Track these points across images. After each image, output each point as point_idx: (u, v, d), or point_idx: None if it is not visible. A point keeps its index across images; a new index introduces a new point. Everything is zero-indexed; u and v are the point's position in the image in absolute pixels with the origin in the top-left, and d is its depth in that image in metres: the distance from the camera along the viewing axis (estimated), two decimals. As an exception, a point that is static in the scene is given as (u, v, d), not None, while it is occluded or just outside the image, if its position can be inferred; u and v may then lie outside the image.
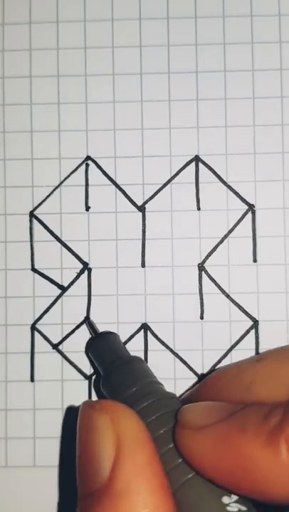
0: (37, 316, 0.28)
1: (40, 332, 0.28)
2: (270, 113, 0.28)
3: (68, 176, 0.28)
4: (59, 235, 0.28)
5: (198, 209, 0.28)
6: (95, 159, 0.28)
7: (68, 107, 0.28)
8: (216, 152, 0.28)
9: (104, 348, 0.25)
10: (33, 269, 0.28)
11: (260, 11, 0.28)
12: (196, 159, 0.28)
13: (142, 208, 0.28)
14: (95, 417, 0.19)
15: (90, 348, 0.26)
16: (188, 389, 0.27)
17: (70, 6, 0.28)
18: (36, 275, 0.28)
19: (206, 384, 0.22)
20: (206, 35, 0.28)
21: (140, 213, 0.28)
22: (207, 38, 0.28)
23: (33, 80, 0.28)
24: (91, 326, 0.27)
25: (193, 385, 0.27)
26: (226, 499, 0.18)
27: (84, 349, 0.27)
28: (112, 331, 0.27)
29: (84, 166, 0.28)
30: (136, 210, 0.28)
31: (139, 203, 0.28)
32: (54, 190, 0.28)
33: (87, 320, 0.27)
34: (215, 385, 0.21)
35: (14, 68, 0.28)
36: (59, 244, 0.28)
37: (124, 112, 0.28)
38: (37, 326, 0.28)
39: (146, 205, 0.28)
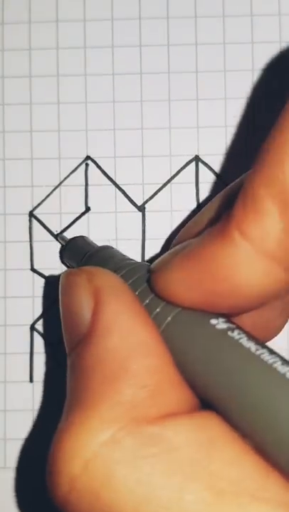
0: (36, 316, 0.28)
1: (39, 332, 0.28)
2: (270, 113, 0.28)
3: (68, 176, 0.28)
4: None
5: (199, 209, 0.27)
6: (95, 159, 0.28)
7: (68, 107, 0.28)
8: (216, 152, 0.28)
9: (75, 249, 0.26)
10: (33, 269, 0.28)
11: (260, 11, 0.28)
12: (196, 159, 0.28)
13: (141, 208, 0.28)
14: (72, 277, 0.19)
15: (64, 255, 0.27)
16: None
17: (69, 6, 0.28)
18: (36, 275, 0.28)
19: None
20: (206, 35, 0.28)
21: (140, 213, 0.28)
22: (207, 38, 0.28)
23: (32, 79, 0.28)
24: (62, 239, 0.27)
25: None
26: (213, 321, 0.18)
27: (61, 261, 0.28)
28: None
29: (84, 165, 0.28)
30: (136, 210, 0.28)
31: (139, 203, 0.28)
32: (54, 190, 0.28)
33: (58, 235, 0.27)
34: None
35: (14, 68, 0.28)
36: (59, 245, 0.28)
37: (124, 112, 0.28)
38: (36, 326, 0.28)
39: (146, 205, 0.28)
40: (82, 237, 0.27)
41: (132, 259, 0.23)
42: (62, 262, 0.27)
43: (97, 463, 0.15)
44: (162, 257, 0.19)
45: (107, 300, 0.18)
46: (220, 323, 0.18)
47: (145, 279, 0.20)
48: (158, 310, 0.19)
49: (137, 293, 0.20)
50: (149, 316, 0.18)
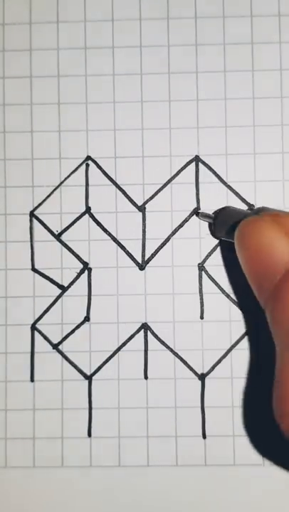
0: (37, 316, 0.28)
1: (40, 332, 0.28)
2: (270, 113, 0.28)
3: (68, 176, 0.28)
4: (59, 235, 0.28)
5: (199, 209, 0.28)
6: (95, 159, 0.28)
7: (68, 107, 0.28)
8: (216, 152, 0.28)
9: (229, 215, 0.25)
10: (33, 269, 0.28)
11: (260, 11, 0.28)
12: (196, 159, 0.28)
13: (142, 208, 0.28)
14: (254, 222, 0.20)
15: (217, 226, 0.26)
16: None
17: (70, 7, 0.28)
18: (36, 275, 0.28)
19: None
20: (206, 35, 0.28)
21: (140, 213, 0.28)
22: (207, 38, 0.28)
23: (33, 80, 0.28)
24: (205, 216, 0.27)
25: None
26: None
27: (212, 233, 0.27)
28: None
29: (84, 166, 0.28)
30: (136, 210, 0.28)
31: (139, 203, 0.28)
32: (54, 190, 0.28)
33: (197, 212, 0.27)
34: None
35: (15, 68, 0.28)
36: (59, 244, 0.28)
37: (125, 112, 0.28)
38: (37, 325, 0.28)
39: (146, 205, 0.28)
40: (227, 206, 0.26)
41: None
42: (214, 235, 0.27)
43: None
44: None
45: None
46: None
47: None
48: None
49: None
50: None
